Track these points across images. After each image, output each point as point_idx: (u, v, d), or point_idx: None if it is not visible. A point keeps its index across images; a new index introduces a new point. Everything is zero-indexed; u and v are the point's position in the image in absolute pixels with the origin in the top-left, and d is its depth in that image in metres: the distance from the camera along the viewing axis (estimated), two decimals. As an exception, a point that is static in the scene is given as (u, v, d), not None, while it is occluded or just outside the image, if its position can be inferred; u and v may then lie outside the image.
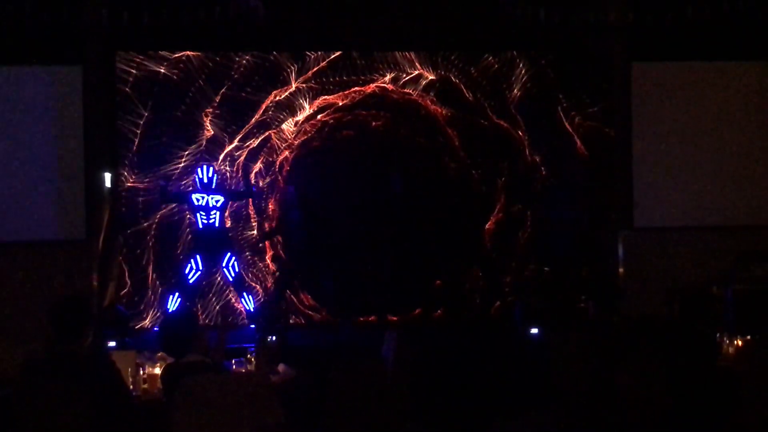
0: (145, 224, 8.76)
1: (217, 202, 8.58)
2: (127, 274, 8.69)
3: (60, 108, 8.37)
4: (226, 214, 8.78)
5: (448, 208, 9.15)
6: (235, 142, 8.93)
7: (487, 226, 9.13)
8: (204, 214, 8.55)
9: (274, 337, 7.18)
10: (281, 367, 5.16)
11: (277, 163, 9.06)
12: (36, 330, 7.52)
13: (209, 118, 8.87)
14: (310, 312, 8.96)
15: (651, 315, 7.88)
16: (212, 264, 8.66)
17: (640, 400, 4.49)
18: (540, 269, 9.07)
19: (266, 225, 9.06)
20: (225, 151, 8.92)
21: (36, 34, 8.15)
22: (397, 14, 8.55)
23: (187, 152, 8.84)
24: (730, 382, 4.66)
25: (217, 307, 8.86)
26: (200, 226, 8.57)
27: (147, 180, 8.76)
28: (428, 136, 9.13)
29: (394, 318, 8.89)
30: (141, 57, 8.72)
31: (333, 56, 8.98)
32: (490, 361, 7.41)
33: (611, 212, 8.78)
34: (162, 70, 8.75)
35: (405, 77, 9.10)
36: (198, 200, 8.55)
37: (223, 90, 8.85)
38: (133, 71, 8.72)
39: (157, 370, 4.78)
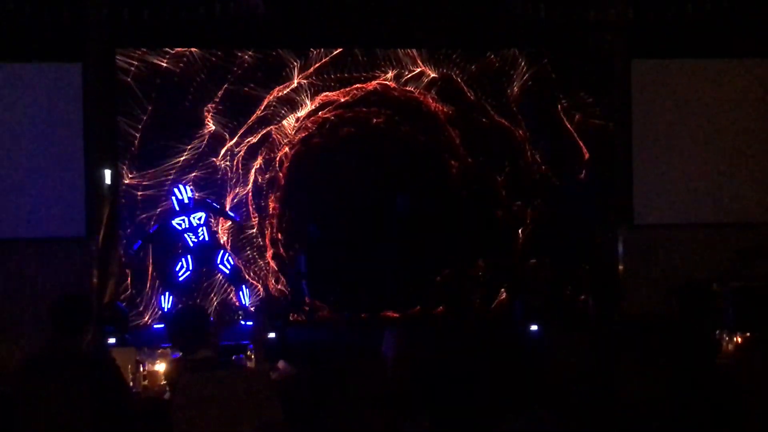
0: (145, 218, 8.78)
1: (199, 219, 8.66)
2: (127, 272, 8.70)
3: (60, 105, 8.36)
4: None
5: (448, 206, 9.15)
6: (236, 138, 8.93)
7: (487, 224, 9.13)
8: (192, 234, 8.61)
9: (273, 335, 7.20)
10: (281, 364, 5.16)
11: (277, 159, 9.06)
12: (36, 327, 7.56)
13: (210, 114, 8.87)
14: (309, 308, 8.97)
15: (650, 312, 7.90)
16: (204, 265, 8.70)
17: (640, 397, 4.49)
18: (540, 266, 9.08)
19: (268, 227, 9.06)
20: (225, 147, 8.93)
21: (36, 31, 8.14)
22: (398, 11, 8.54)
23: (188, 148, 8.84)
24: (730, 380, 4.66)
25: (215, 304, 8.86)
26: (191, 245, 8.62)
27: (147, 177, 8.76)
28: (429, 134, 9.13)
29: (395, 315, 8.89)
30: (141, 54, 8.71)
31: (335, 53, 8.98)
32: (489, 359, 7.42)
33: (611, 209, 8.77)
34: (164, 64, 8.74)
35: (407, 74, 9.10)
36: (180, 224, 8.63)
37: (224, 86, 8.85)
38: (134, 68, 8.72)
39: (158, 367, 4.79)
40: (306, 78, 9.01)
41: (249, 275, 8.94)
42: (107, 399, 4.07)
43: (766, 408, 4.54)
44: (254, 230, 9.07)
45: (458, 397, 6.87)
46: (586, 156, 8.92)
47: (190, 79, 8.80)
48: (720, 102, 8.81)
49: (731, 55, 8.79)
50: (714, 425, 4.47)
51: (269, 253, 9.07)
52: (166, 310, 8.65)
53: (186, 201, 8.62)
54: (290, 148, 9.08)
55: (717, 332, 5.44)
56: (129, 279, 8.69)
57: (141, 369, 4.76)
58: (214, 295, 8.79)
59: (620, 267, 8.67)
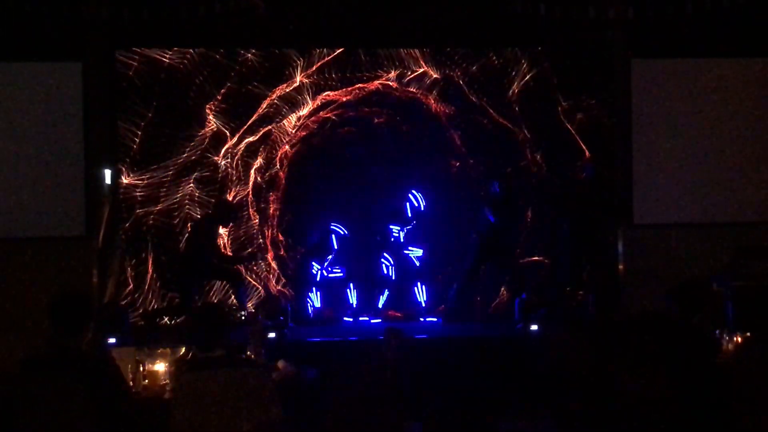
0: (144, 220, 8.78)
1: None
2: (127, 271, 8.70)
3: (60, 104, 8.37)
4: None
5: (449, 205, 9.15)
6: (237, 137, 8.92)
7: (487, 223, 9.12)
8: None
9: (273, 334, 7.20)
10: (281, 364, 5.16)
11: (278, 158, 9.06)
12: (36, 326, 7.56)
13: (212, 113, 8.86)
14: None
15: (650, 312, 7.90)
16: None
17: (640, 397, 4.49)
18: (540, 266, 9.08)
19: (269, 227, 9.06)
20: (226, 146, 8.92)
21: (36, 30, 8.15)
22: (398, 11, 8.54)
23: (189, 147, 8.84)
24: (730, 379, 4.66)
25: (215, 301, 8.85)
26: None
27: (148, 176, 8.76)
28: (430, 134, 9.13)
29: (398, 314, 8.89)
30: (141, 53, 8.71)
31: (336, 53, 8.97)
32: (489, 358, 7.42)
33: (611, 208, 8.76)
34: (165, 62, 8.74)
35: (410, 74, 9.10)
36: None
37: (226, 85, 8.85)
38: (134, 67, 8.71)
39: (158, 367, 4.79)
40: (308, 77, 9.01)
41: (251, 276, 8.94)
42: (107, 399, 4.07)
43: (765, 408, 4.54)
44: (255, 230, 9.06)
45: (458, 397, 6.87)
46: (587, 155, 8.90)
47: (191, 78, 8.80)
48: (720, 101, 8.81)
49: (731, 54, 8.79)
50: (714, 425, 4.47)
51: (270, 255, 9.06)
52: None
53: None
54: (291, 147, 9.07)
55: (717, 331, 5.44)
56: (128, 274, 8.69)
57: (141, 369, 4.76)
58: (214, 296, 8.79)
59: (620, 266, 8.68)
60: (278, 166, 9.08)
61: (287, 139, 9.06)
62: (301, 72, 8.98)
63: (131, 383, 4.61)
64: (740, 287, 7.51)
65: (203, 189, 8.90)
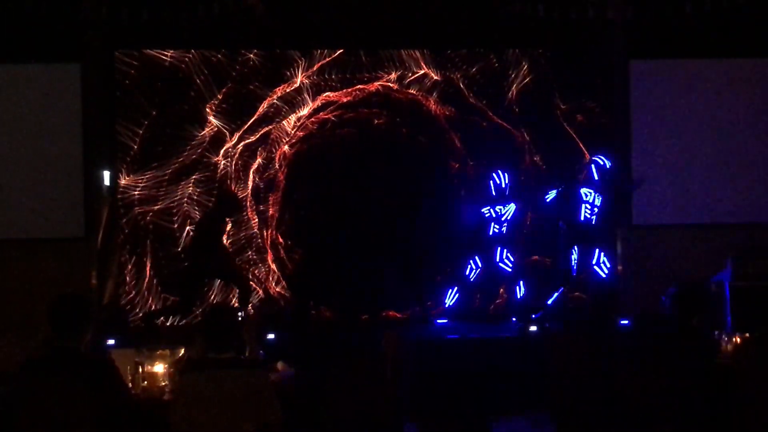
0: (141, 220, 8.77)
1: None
2: (126, 272, 8.70)
3: (59, 105, 8.37)
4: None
5: (448, 207, 9.15)
6: (236, 138, 8.92)
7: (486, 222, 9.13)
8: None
9: (272, 336, 7.20)
10: (279, 365, 5.16)
11: (277, 159, 9.06)
12: (35, 328, 7.55)
13: (212, 113, 8.86)
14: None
15: (649, 312, 7.91)
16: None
17: (638, 398, 4.49)
18: (539, 267, 9.08)
19: (269, 228, 9.05)
20: (226, 147, 8.92)
21: (35, 31, 8.14)
22: (397, 12, 8.54)
23: (188, 147, 8.84)
24: (729, 380, 4.67)
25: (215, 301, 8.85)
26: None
27: (146, 178, 8.76)
28: (430, 136, 9.13)
29: (397, 315, 8.88)
30: (140, 54, 8.71)
31: (336, 54, 8.98)
32: (488, 360, 7.42)
33: (610, 209, 8.76)
34: (166, 63, 8.74)
35: (411, 76, 9.10)
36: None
37: (226, 86, 8.84)
38: (133, 68, 8.71)
39: (157, 368, 4.79)
40: (308, 78, 9.01)
41: (251, 278, 8.93)
42: (106, 400, 4.07)
43: (764, 407, 4.55)
44: (255, 231, 9.06)
45: (456, 398, 6.88)
46: (587, 157, 8.90)
47: (191, 78, 8.79)
48: (719, 102, 8.82)
49: (730, 55, 8.80)
50: (713, 425, 4.48)
51: (269, 256, 9.05)
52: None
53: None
54: (290, 148, 9.07)
55: (715, 332, 5.45)
56: (127, 275, 8.68)
57: (140, 370, 4.76)
58: (213, 296, 8.78)
59: (618, 267, 8.68)
60: (277, 167, 9.08)
61: (286, 140, 9.06)
62: (302, 73, 8.98)
63: (130, 385, 4.61)
64: (739, 288, 7.52)
65: (203, 189, 8.90)
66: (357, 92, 9.09)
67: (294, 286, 8.97)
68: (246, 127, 8.94)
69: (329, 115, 9.10)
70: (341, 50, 8.99)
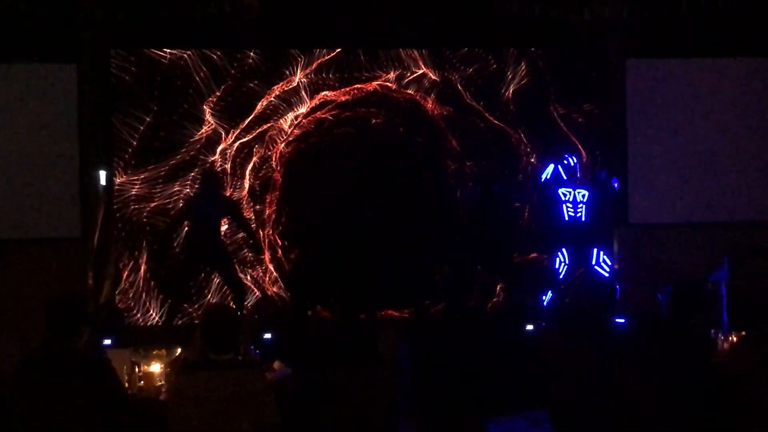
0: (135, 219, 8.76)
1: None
2: (122, 272, 8.69)
3: (55, 105, 8.36)
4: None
5: (446, 206, 9.15)
6: (233, 137, 8.91)
7: (484, 223, 9.13)
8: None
9: (270, 335, 7.20)
10: (277, 365, 5.16)
11: (274, 158, 9.05)
12: (31, 328, 7.54)
13: (209, 112, 8.85)
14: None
15: (645, 311, 7.91)
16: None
17: (636, 396, 4.50)
18: (536, 266, 9.09)
19: (266, 228, 9.04)
20: (223, 146, 8.91)
21: (31, 31, 8.14)
22: (394, 12, 8.54)
23: (186, 146, 8.83)
24: (725, 379, 4.67)
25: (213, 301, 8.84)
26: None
27: (143, 178, 8.75)
28: (427, 136, 9.13)
29: (395, 314, 8.88)
30: (137, 53, 8.70)
31: (334, 53, 8.97)
32: (485, 358, 7.42)
33: (606, 208, 8.77)
34: (163, 60, 8.73)
35: (409, 76, 9.09)
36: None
37: (223, 85, 8.84)
38: (130, 67, 8.70)
39: (153, 368, 4.79)
40: (306, 77, 9.00)
41: (246, 278, 8.92)
42: (103, 400, 4.07)
43: (761, 407, 4.55)
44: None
45: (455, 396, 6.87)
46: (584, 157, 8.91)
47: (189, 77, 8.78)
48: (715, 102, 8.83)
49: (726, 54, 8.81)
50: (709, 425, 4.48)
51: (267, 257, 9.04)
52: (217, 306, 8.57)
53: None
54: (287, 147, 9.06)
55: (712, 331, 5.45)
56: (123, 275, 8.67)
57: (137, 370, 4.76)
58: (211, 295, 8.77)
59: (615, 266, 8.69)
60: (274, 167, 9.07)
61: (284, 139, 9.05)
62: (300, 72, 8.98)
63: (127, 385, 4.60)
64: (735, 287, 7.52)
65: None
66: (355, 91, 9.09)
67: (291, 285, 8.97)
68: (243, 126, 8.94)
69: (327, 115, 9.09)
70: (339, 49, 8.98)
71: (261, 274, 9.01)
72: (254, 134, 8.98)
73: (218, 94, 8.84)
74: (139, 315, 8.69)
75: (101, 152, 8.55)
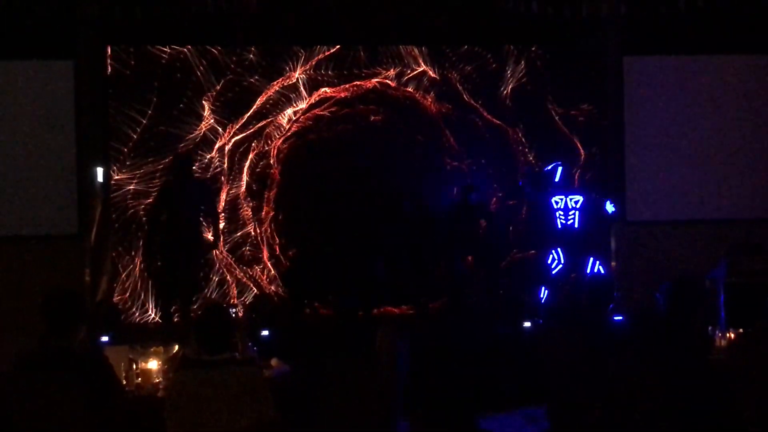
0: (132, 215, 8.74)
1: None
2: (120, 268, 8.68)
3: (51, 102, 8.34)
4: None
5: (444, 204, 9.15)
6: (231, 133, 8.90)
7: (483, 221, 9.13)
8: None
9: (267, 332, 7.19)
10: (274, 362, 5.16)
11: (272, 155, 9.04)
12: (28, 325, 7.52)
13: (207, 109, 8.84)
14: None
15: (643, 309, 7.91)
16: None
17: (633, 394, 4.50)
18: (533, 263, 9.09)
19: (264, 225, 9.03)
20: (221, 143, 8.89)
21: (27, 28, 8.11)
22: (393, 8, 8.53)
23: (184, 142, 8.82)
24: (723, 376, 4.67)
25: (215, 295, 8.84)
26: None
27: (140, 174, 8.74)
28: (426, 133, 9.13)
29: (394, 310, 8.87)
30: (135, 50, 8.68)
31: (333, 50, 8.96)
32: (482, 355, 7.42)
33: (604, 205, 8.77)
34: (161, 56, 8.72)
35: (409, 73, 9.09)
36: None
37: (222, 81, 8.82)
38: (128, 63, 8.69)
39: (151, 365, 4.78)
40: (305, 73, 8.99)
41: (243, 276, 8.92)
42: (100, 397, 4.06)
43: (759, 404, 4.56)
44: (249, 228, 9.04)
45: (452, 393, 6.87)
46: (582, 154, 8.91)
47: (187, 73, 8.77)
48: (713, 99, 8.83)
49: (723, 51, 8.81)
50: (707, 422, 4.48)
51: (265, 254, 9.04)
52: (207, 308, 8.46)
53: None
54: (285, 144, 9.05)
55: (710, 328, 5.45)
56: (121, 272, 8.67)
57: (134, 367, 4.75)
58: (210, 294, 8.77)
59: (613, 263, 8.69)
60: (272, 163, 9.05)
61: (282, 136, 9.04)
62: (299, 68, 8.96)
63: (124, 381, 4.59)
64: (733, 284, 7.53)
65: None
66: (354, 88, 9.08)
67: (289, 283, 8.96)
68: (241, 122, 8.93)
69: (325, 111, 9.08)
70: (338, 46, 8.97)
71: (258, 271, 9.00)
72: (252, 130, 8.97)
73: (218, 88, 8.82)
74: (136, 312, 8.69)
75: (98, 149, 8.54)
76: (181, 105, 8.79)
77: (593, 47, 8.94)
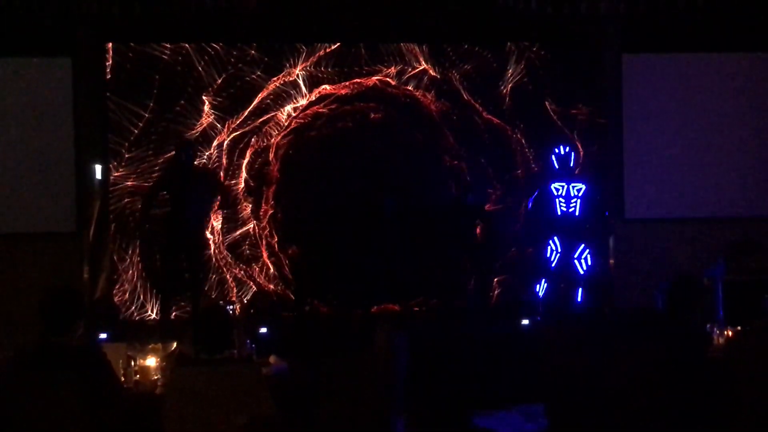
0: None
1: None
2: (117, 266, 8.68)
3: (50, 100, 8.33)
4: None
5: (442, 202, 9.16)
6: (230, 130, 8.89)
7: (480, 220, 9.13)
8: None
9: (265, 329, 7.20)
10: (273, 359, 5.16)
11: (272, 152, 9.03)
12: (26, 322, 7.53)
13: (207, 106, 8.83)
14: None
15: (641, 306, 7.92)
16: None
17: (631, 391, 4.50)
18: (532, 261, 9.10)
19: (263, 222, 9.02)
20: (220, 140, 8.88)
21: (26, 25, 8.11)
22: (392, 5, 8.52)
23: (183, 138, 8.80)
24: (721, 373, 4.68)
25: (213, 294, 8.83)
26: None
27: (139, 171, 8.73)
28: (425, 132, 9.13)
29: (394, 308, 8.87)
30: (133, 47, 8.68)
31: (333, 47, 8.96)
32: (481, 353, 7.43)
33: (602, 203, 8.78)
34: (160, 53, 8.70)
35: (410, 71, 9.08)
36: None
37: (221, 78, 8.81)
38: (127, 59, 8.68)
39: (149, 362, 4.78)
40: (305, 70, 8.98)
41: (241, 274, 8.91)
42: (98, 394, 4.06)
43: (757, 401, 4.56)
44: (249, 228, 9.03)
45: (450, 391, 6.88)
46: (581, 152, 8.90)
47: (187, 69, 8.76)
48: (711, 96, 8.83)
49: (722, 49, 8.81)
50: (705, 419, 4.49)
51: (264, 252, 9.03)
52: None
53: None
54: (284, 141, 9.04)
55: (708, 326, 5.46)
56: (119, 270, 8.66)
57: (132, 364, 4.75)
58: (210, 292, 8.76)
59: (611, 261, 8.70)
60: (271, 160, 9.05)
61: (281, 133, 9.03)
62: (300, 64, 8.95)
63: (123, 379, 4.59)
64: (731, 282, 7.54)
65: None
66: (354, 86, 9.07)
67: (288, 281, 8.97)
68: (240, 119, 8.92)
69: (325, 109, 9.07)
70: (338, 43, 8.97)
71: (257, 269, 9.00)
72: (252, 127, 8.96)
73: (218, 83, 8.80)
74: (134, 309, 8.69)
75: (97, 146, 8.53)
76: (180, 101, 8.77)
77: (592, 45, 8.94)
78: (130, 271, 8.72)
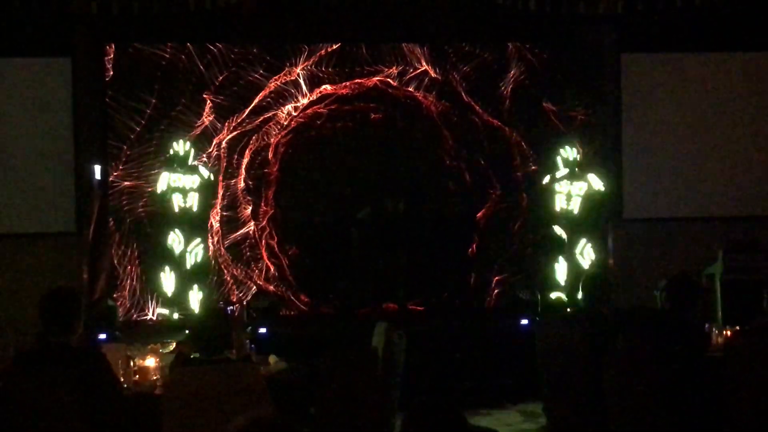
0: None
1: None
2: (117, 266, 8.67)
3: (49, 100, 8.32)
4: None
5: (442, 201, 9.16)
6: (230, 130, 8.88)
7: (479, 219, 9.14)
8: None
9: (264, 329, 7.20)
10: (272, 359, 5.16)
11: (271, 152, 9.03)
12: (26, 322, 7.54)
13: (206, 105, 8.82)
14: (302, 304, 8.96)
15: (640, 306, 7.93)
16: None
17: (630, 390, 4.51)
18: (532, 260, 9.10)
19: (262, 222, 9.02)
20: (220, 139, 8.87)
21: (24, 25, 8.10)
22: (392, 5, 8.51)
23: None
24: (720, 372, 4.69)
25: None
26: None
27: (139, 171, 8.72)
28: (425, 132, 9.12)
29: (393, 307, 8.86)
30: (133, 47, 8.67)
31: (333, 47, 8.95)
32: (479, 352, 7.44)
33: (601, 203, 8.77)
34: (159, 53, 8.70)
35: (411, 72, 9.07)
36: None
37: (221, 78, 8.80)
38: (127, 59, 8.68)
39: (148, 362, 4.78)
40: (306, 69, 8.97)
41: (240, 272, 8.91)
42: (98, 395, 4.07)
43: (755, 400, 4.57)
44: (250, 229, 9.03)
45: (448, 390, 6.89)
46: (580, 151, 8.90)
47: (187, 68, 8.75)
48: (710, 96, 8.83)
49: (721, 48, 8.81)
50: (704, 418, 4.50)
51: (263, 252, 9.02)
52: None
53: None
54: (285, 140, 9.04)
55: (707, 325, 5.47)
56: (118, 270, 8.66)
57: (131, 365, 4.76)
58: (209, 293, 8.76)
59: (610, 261, 8.70)
60: (271, 160, 9.04)
61: (281, 132, 9.02)
62: (300, 64, 8.95)
63: (122, 379, 4.60)
64: (730, 281, 7.56)
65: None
66: (355, 86, 9.06)
67: (289, 281, 8.97)
68: (240, 119, 8.91)
69: (325, 109, 9.07)
70: (338, 44, 8.96)
71: (257, 270, 9.00)
72: (252, 126, 8.95)
73: (219, 81, 8.79)
74: (133, 310, 8.68)
75: (96, 146, 8.53)
76: (180, 101, 8.76)
77: (591, 44, 8.93)
78: (130, 271, 8.71)
